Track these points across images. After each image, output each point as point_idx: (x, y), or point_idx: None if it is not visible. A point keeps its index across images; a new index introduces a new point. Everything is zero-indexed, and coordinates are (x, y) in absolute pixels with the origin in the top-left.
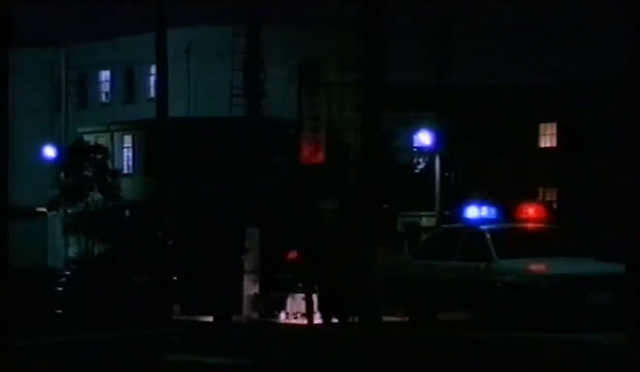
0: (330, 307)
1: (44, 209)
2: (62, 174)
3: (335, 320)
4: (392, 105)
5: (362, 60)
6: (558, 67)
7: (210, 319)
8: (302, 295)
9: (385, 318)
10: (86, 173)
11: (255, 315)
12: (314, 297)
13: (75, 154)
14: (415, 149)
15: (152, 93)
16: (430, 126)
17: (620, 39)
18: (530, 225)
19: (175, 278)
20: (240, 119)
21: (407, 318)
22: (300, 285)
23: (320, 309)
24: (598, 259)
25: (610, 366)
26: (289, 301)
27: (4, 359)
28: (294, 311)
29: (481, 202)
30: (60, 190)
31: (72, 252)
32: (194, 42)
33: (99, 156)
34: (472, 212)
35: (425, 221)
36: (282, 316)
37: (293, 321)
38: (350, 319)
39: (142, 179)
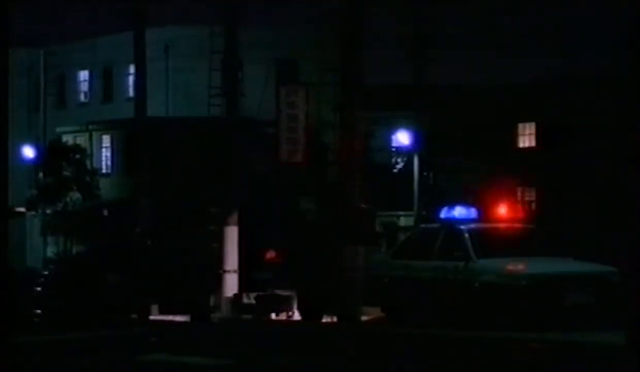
0: (308, 306)
1: (22, 209)
2: (41, 174)
3: (314, 319)
4: (370, 105)
5: (340, 60)
6: (537, 67)
7: (188, 319)
8: (281, 294)
9: (363, 317)
10: (65, 173)
11: (233, 314)
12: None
13: (54, 153)
14: (393, 149)
15: (131, 93)
16: (408, 126)
17: (599, 38)
18: (509, 225)
19: (154, 278)
20: (218, 119)
21: (384, 318)
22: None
23: (299, 308)
24: (577, 258)
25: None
26: (268, 300)
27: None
28: (273, 310)
29: (459, 201)
30: (39, 190)
31: (50, 252)
32: (172, 41)
33: (78, 156)
34: (451, 212)
35: (403, 221)
36: (261, 315)
37: (272, 320)
38: (329, 319)
39: (120, 178)
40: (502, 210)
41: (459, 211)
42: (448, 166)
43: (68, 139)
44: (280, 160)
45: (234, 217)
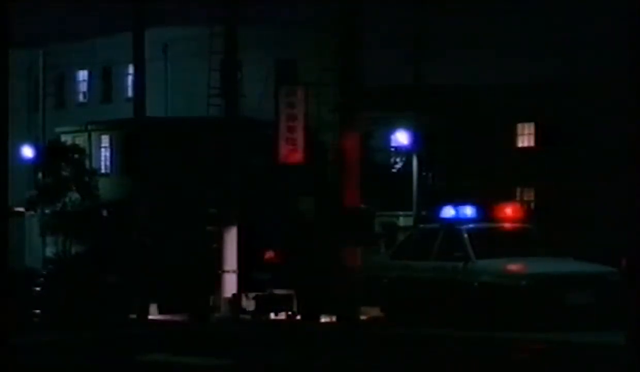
0: (308, 306)
1: (21, 209)
2: (40, 174)
3: (313, 319)
4: (370, 105)
5: (339, 60)
6: (536, 67)
7: (187, 318)
8: (280, 294)
9: (362, 317)
10: (64, 173)
11: (232, 314)
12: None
13: (53, 154)
14: (392, 149)
15: (130, 93)
16: (407, 126)
17: (598, 39)
18: (508, 225)
19: (153, 278)
20: (217, 119)
21: (384, 318)
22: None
23: (298, 308)
24: (576, 258)
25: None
26: (268, 300)
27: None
28: (273, 310)
29: (458, 201)
30: (38, 190)
31: (49, 252)
32: (171, 41)
33: (77, 156)
34: (450, 212)
35: (402, 221)
36: (260, 315)
37: (271, 319)
38: (328, 319)
39: (119, 178)
40: (501, 210)
41: (458, 211)
42: (447, 166)
43: (67, 139)
44: (279, 161)
45: (234, 217)
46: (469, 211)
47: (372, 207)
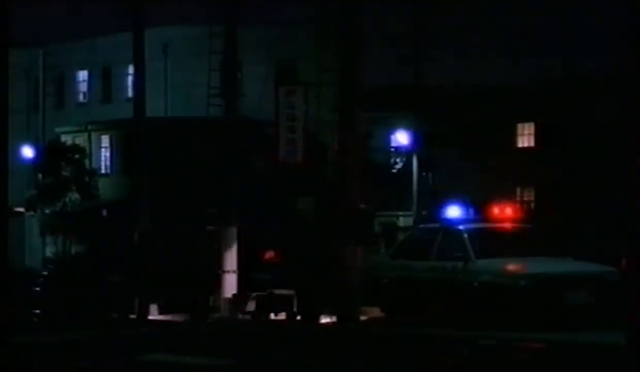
0: (308, 306)
1: (21, 209)
2: (40, 174)
3: (313, 319)
4: (370, 105)
5: (339, 60)
6: (536, 67)
7: (187, 318)
8: (280, 294)
9: (363, 317)
10: (63, 173)
11: (232, 314)
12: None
13: (53, 154)
14: (392, 149)
15: (130, 93)
16: (407, 126)
17: (598, 40)
18: (507, 225)
19: (153, 278)
20: (217, 119)
21: (384, 318)
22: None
23: (298, 308)
24: (576, 258)
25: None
26: (267, 300)
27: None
28: (273, 310)
29: (458, 201)
30: (38, 190)
31: (49, 252)
32: (170, 41)
33: (77, 156)
34: (450, 211)
35: (402, 221)
36: (260, 315)
37: (271, 320)
38: (328, 319)
39: (119, 178)
40: (501, 210)
41: (457, 211)
42: (447, 166)
43: (67, 139)
44: (279, 161)
45: (234, 217)
46: (468, 210)
47: (372, 207)
